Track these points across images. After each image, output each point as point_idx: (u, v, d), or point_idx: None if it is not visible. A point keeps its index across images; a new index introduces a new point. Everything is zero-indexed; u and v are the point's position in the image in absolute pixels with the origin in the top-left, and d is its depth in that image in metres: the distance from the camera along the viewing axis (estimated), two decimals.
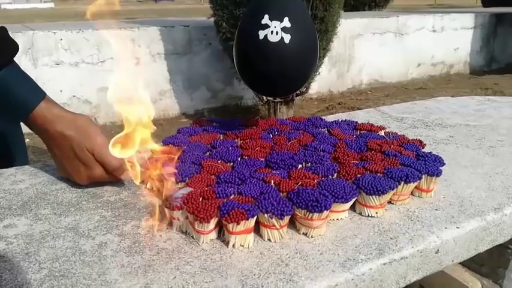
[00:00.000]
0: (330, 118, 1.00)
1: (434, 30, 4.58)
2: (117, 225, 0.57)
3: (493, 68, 5.04)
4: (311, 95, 3.72)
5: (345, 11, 4.96)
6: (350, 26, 3.92)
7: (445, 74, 4.80)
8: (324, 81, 3.80)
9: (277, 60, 0.67)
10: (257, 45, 0.67)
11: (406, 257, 0.52)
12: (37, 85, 0.68)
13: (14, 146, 0.87)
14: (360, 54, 4.10)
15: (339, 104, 3.61)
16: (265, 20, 0.66)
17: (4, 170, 0.74)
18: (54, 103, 0.68)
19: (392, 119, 1.06)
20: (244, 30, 0.70)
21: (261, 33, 0.66)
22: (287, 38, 0.66)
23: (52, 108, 0.67)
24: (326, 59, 3.28)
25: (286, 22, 0.66)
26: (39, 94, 0.67)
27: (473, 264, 0.83)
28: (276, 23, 0.66)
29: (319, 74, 3.07)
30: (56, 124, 0.66)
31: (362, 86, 4.22)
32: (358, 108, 3.43)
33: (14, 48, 0.69)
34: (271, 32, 0.66)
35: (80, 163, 0.65)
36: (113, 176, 0.67)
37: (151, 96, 3.21)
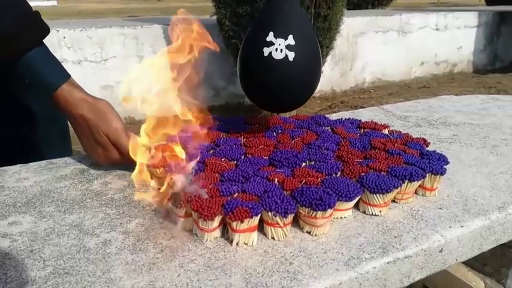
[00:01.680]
0: (333, 116, 1.00)
1: (437, 29, 4.56)
2: (121, 223, 0.57)
3: (497, 67, 5.02)
4: (314, 93, 3.71)
5: (348, 9, 4.94)
6: (353, 24, 3.91)
7: (449, 72, 4.79)
8: (326, 79, 3.80)
9: (281, 77, 0.68)
10: (262, 62, 0.67)
11: (410, 256, 0.52)
12: (62, 68, 0.73)
13: (57, 134, 0.94)
14: (363, 52, 4.09)
15: (342, 102, 3.61)
16: (270, 37, 0.67)
17: (8, 167, 0.75)
18: (77, 87, 0.72)
19: (396, 117, 1.06)
20: (249, 46, 0.71)
21: (266, 50, 0.67)
22: (291, 55, 0.67)
23: (74, 92, 0.71)
24: (329, 58, 3.27)
25: (291, 40, 0.67)
26: (62, 76, 0.72)
27: (477, 263, 0.82)
28: (280, 40, 0.67)
29: (322, 72, 3.07)
30: (78, 107, 0.70)
31: (365, 85, 4.21)
32: (361, 107, 3.43)
33: (45, 31, 0.73)
34: (276, 50, 0.67)
35: (97, 145, 0.70)
36: (128, 158, 0.68)
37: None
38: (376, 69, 4.25)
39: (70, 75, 0.73)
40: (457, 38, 4.74)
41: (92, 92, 0.74)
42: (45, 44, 0.74)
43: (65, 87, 0.70)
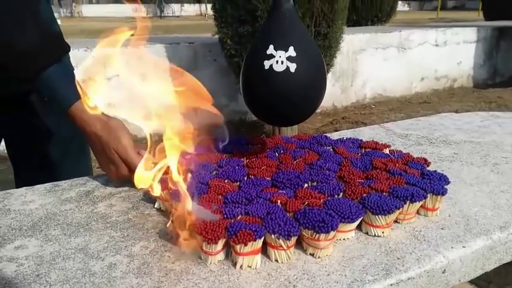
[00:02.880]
0: (335, 135, 1.01)
1: (437, 45, 4.60)
2: (125, 246, 0.57)
3: (497, 81, 5.05)
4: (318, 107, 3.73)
5: (348, 26, 5.00)
6: (353, 41, 3.96)
7: (449, 87, 4.81)
8: (327, 95, 3.79)
9: (283, 89, 0.68)
10: (263, 75, 0.67)
11: (413, 278, 0.52)
12: (79, 86, 0.74)
13: (77, 153, 0.99)
14: (363, 68, 4.12)
15: (343, 118, 3.62)
16: (270, 50, 0.67)
17: (14, 190, 0.76)
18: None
19: (397, 135, 1.07)
20: (250, 60, 0.71)
21: (267, 63, 0.67)
22: (293, 67, 0.67)
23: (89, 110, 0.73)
24: (330, 74, 3.30)
25: (292, 51, 0.67)
26: (78, 94, 0.72)
27: (481, 281, 0.82)
28: (281, 52, 0.67)
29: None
30: (91, 125, 0.74)
31: (366, 100, 4.23)
32: (362, 123, 3.44)
33: (64, 49, 0.78)
34: (277, 62, 0.67)
35: (109, 161, 0.74)
36: None
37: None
38: (377, 85, 4.28)
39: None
40: (456, 53, 4.78)
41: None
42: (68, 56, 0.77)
43: (80, 105, 0.73)
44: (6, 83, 0.82)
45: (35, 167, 0.98)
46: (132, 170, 0.71)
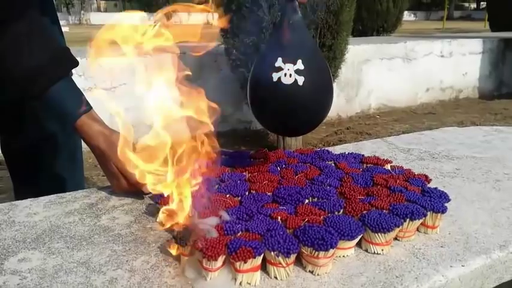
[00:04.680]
0: (337, 149, 1.02)
1: (442, 56, 4.60)
2: (127, 260, 0.58)
3: (503, 93, 5.03)
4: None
5: (353, 36, 5.01)
6: (358, 51, 3.97)
7: (454, 98, 4.80)
8: (332, 105, 3.82)
9: (291, 102, 0.69)
10: (271, 87, 0.69)
11: None
12: (85, 101, 0.78)
13: (69, 158, 1.02)
14: (368, 79, 4.13)
15: (347, 128, 3.62)
16: (279, 62, 0.68)
17: (19, 201, 0.77)
18: (96, 119, 0.78)
19: (399, 150, 1.07)
20: (258, 72, 0.72)
21: (275, 76, 0.68)
22: (300, 80, 0.68)
23: (93, 124, 0.77)
24: (335, 84, 3.30)
25: (300, 64, 0.68)
26: (82, 109, 0.77)
27: None
28: (289, 65, 0.68)
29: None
30: (95, 139, 0.76)
31: (370, 111, 4.23)
32: (367, 133, 3.44)
33: (72, 65, 0.79)
34: (285, 75, 0.68)
35: (110, 174, 0.76)
36: (136, 188, 0.74)
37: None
38: (382, 95, 4.28)
39: (91, 107, 0.78)
40: (462, 64, 4.77)
41: (101, 118, 0.79)
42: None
43: (85, 120, 0.76)
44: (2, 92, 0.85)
45: (30, 170, 1.03)
46: (131, 183, 0.74)
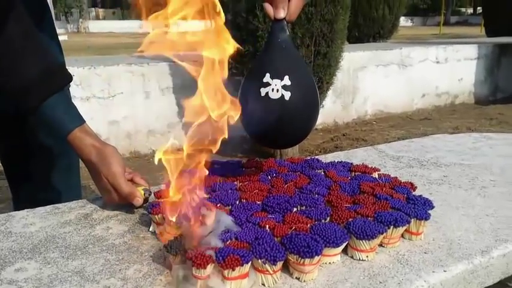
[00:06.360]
0: (328, 157, 1.04)
1: (437, 62, 4.64)
2: (120, 269, 0.60)
3: (498, 98, 5.07)
4: (316, 126, 3.76)
5: (350, 42, 5.06)
6: (354, 58, 4.00)
7: (450, 104, 4.84)
8: (328, 112, 3.86)
9: (277, 116, 0.72)
10: (259, 101, 0.72)
11: None
12: (78, 115, 0.80)
13: (66, 168, 1.05)
14: (365, 85, 4.16)
15: (344, 135, 3.65)
16: (267, 78, 0.72)
17: (16, 212, 0.79)
18: (88, 133, 0.79)
19: (389, 157, 1.09)
20: (248, 87, 0.75)
21: (263, 91, 0.72)
22: (287, 95, 0.71)
23: (85, 138, 0.78)
24: (330, 91, 3.34)
25: (287, 80, 0.71)
26: (75, 122, 0.78)
27: None
28: (276, 81, 0.71)
29: (322, 106, 3.12)
30: (87, 152, 0.77)
31: (367, 117, 4.26)
32: (363, 139, 3.47)
33: (65, 80, 0.81)
34: (272, 90, 0.71)
35: (102, 187, 0.78)
36: (127, 201, 0.76)
37: (161, 128, 3.30)
38: (378, 102, 4.31)
39: (84, 121, 0.80)
40: (457, 70, 4.81)
41: (99, 127, 0.81)
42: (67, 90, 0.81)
43: (77, 134, 0.77)
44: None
45: (27, 179, 1.06)
46: (122, 196, 0.76)
